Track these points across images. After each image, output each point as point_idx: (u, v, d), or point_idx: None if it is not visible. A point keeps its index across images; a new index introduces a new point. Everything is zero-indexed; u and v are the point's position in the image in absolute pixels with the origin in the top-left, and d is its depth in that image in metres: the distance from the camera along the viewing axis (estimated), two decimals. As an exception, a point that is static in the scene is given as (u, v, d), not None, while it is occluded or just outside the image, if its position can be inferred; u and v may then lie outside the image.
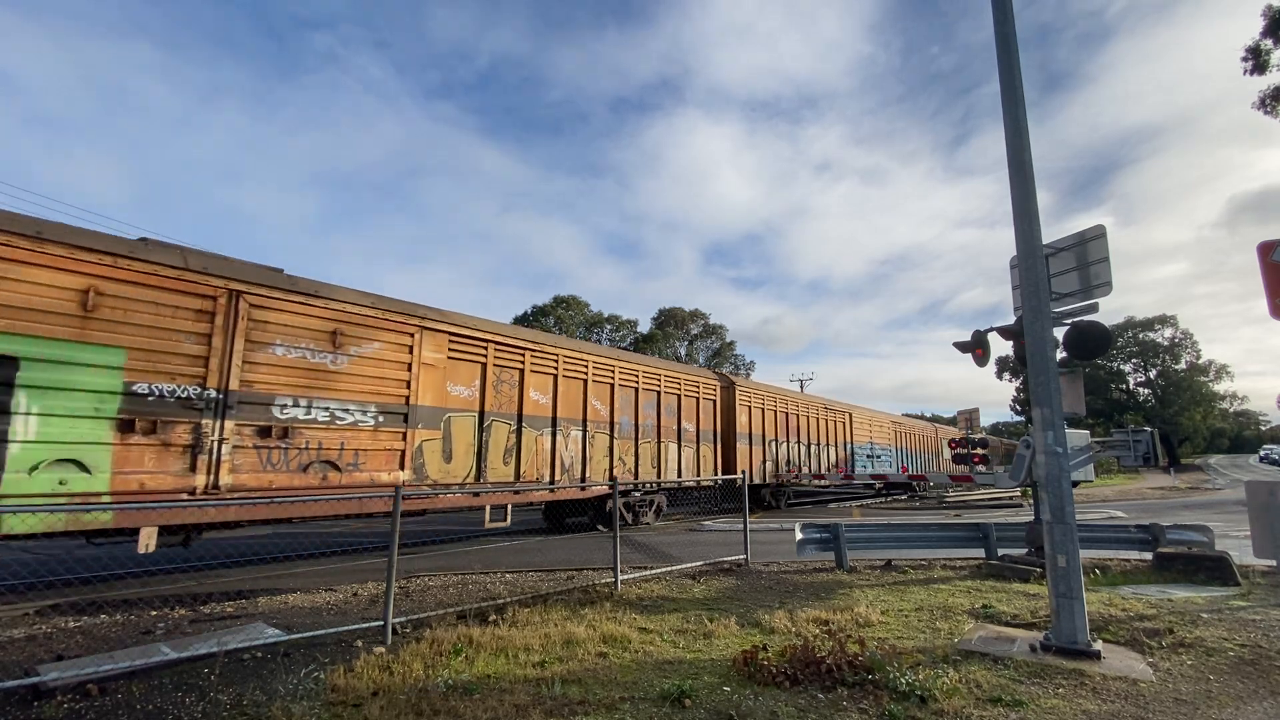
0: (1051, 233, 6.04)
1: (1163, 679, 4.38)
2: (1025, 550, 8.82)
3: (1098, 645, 4.86)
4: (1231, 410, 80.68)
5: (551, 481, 11.93)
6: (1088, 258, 5.98)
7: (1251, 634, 5.38)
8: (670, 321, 53.94)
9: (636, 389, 14.71)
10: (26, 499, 6.05)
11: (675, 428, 15.90)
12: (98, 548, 7.42)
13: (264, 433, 7.88)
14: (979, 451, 16.76)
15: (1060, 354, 5.73)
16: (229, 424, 7.55)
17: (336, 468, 8.54)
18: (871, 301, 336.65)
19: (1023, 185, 5.54)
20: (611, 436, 13.75)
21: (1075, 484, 6.56)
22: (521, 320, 46.06)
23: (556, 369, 12.46)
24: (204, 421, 7.33)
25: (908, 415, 38.30)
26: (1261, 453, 65.93)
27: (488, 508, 10.30)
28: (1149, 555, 8.91)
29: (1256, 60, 14.00)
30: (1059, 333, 5.78)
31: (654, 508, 15.74)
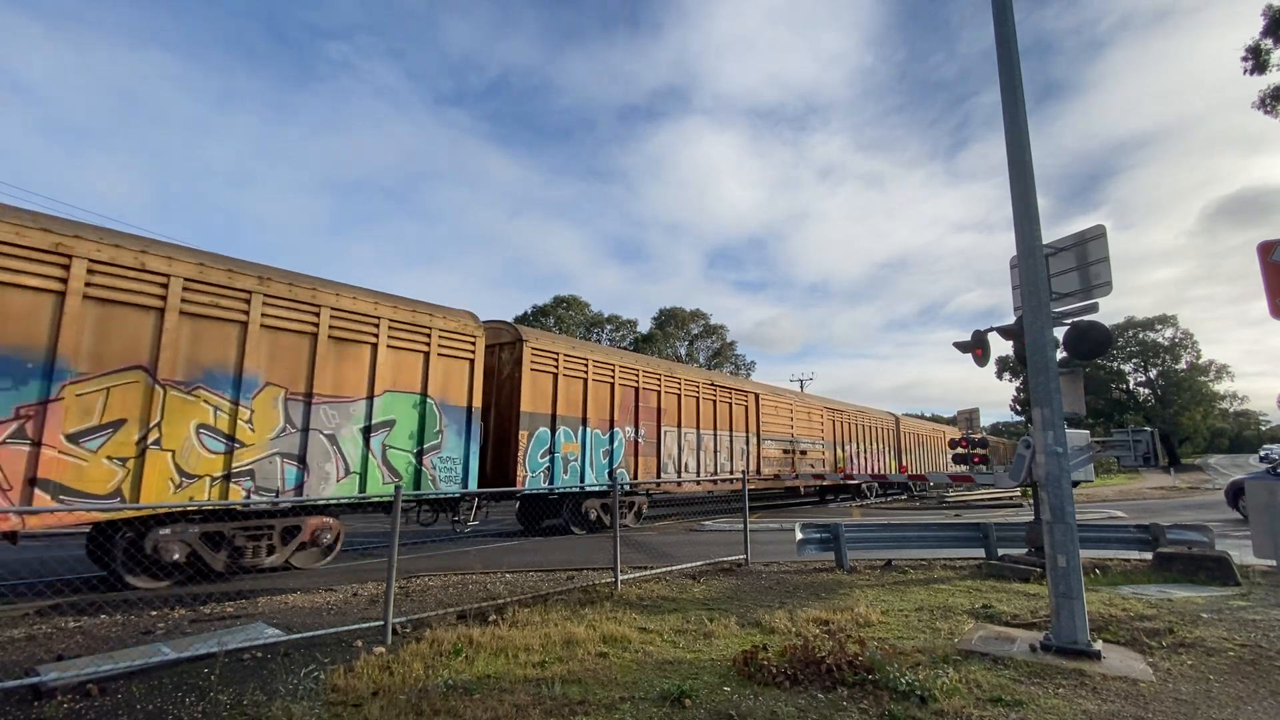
0: (1049, 236, 6.02)
1: (1163, 679, 4.38)
2: (1025, 550, 8.82)
3: (1098, 645, 4.85)
4: (1231, 410, 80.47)
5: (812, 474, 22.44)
6: (1087, 257, 5.97)
7: (1252, 634, 5.38)
8: (671, 321, 53.97)
9: (868, 425, 26.63)
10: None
11: (874, 446, 26.94)
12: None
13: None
14: (979, 451, 16.85)
15: (1060, 354, 5.73)
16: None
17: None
18: (871, 304, 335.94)
19: (1023, 185, 5.54)
20: (826, 449, 23.75)
21: (1075, 484, 6.55)
22: (521, 319, 46.04)
23: (836, 417, 24.03)
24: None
25: (907, 415, 39.83)
26: (1262, 453, 65.74)
27: (801, 488, 23.00)
28: (1149, 555, 8.91)
29: (1256, 60, 13.99)
30: (1059, 333, 5.78)
31: (873, 492, 26.25)
